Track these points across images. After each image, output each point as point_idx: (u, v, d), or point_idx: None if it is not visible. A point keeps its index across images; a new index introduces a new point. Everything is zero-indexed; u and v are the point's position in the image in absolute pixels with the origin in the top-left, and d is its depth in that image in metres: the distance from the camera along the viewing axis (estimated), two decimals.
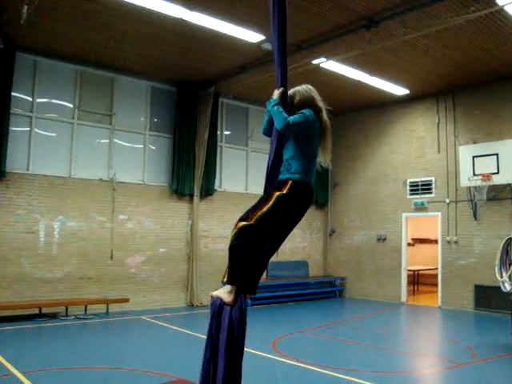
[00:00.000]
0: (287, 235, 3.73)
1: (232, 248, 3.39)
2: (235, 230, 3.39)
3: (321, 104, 3.83)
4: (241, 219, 3.44)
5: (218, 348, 3.26)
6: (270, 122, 3.76)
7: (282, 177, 3.56)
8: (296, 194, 3.49)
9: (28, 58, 10.90)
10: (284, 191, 3.46)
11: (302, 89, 3.85)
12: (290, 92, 3.80)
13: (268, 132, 3.85)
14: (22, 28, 9.07)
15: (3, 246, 10.28)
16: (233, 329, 3.28)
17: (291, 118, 3.50)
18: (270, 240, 3.59)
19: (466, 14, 8.43)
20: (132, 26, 9.61)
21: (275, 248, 3.74)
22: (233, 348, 3.26)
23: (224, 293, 3.39)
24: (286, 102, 3.66)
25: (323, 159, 3.83)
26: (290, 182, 3.48)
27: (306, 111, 3.63)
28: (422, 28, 9.10)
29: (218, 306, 3.34)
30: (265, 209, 3.42)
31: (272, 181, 3.66)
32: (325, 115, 3.81)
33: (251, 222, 3.37)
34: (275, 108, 3.54)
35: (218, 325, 3.31)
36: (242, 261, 3.37)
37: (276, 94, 3.65)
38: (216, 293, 3.43)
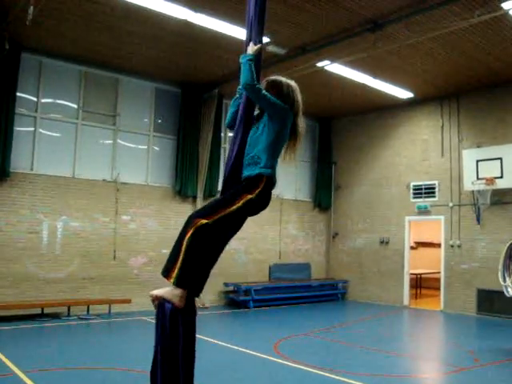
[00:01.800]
0: (240, 226, 3.45)
1: (189, 249, 3.05)
2: (192, 229, 3.06)
3: (300, 108, 3.58)
4: (198, 216, 3.15)
5: (173, 355, 3.08)
6: (236, 112, 3.58)
7: (251, 172, 3.31)
8: (265, 195, 3.29)
9: (33, 59, 10.94)
10: (254, 195, 3.23)
11: (293, 86, 3.58)
12: (278, 79, 3.59)
13: (233, 123, 3.64)
14: (27, 29, 9.10)
15: (6, 246, 10.30)
16: (188, 334, 3.13)
17: (266, 92, 3.30)
18: (223, 238, 3.35)
19: (470, 18, 8.43)
20: (137, 27, 9.64)
21: (225, 245, 3.43)
22: (190, 353, 3.13)
23: (174, 296, 3.11)
24: (259, 63, 3.46)
25: (287, 159, 3.59)
26: (264, 179, 3.26)
27: (284, 105, 3.41)
28: (427, 31, 9.10)
29: (169, 312, 3.12)
30: (229, 210, 3.17)
31: (234, 175, 3.40)
32: (301, 120, 3.58)
33: (209, 222, 3.08)
34: (248, 64, 3.30)
35: (174, 332, 3.10)
36: (197, 264, 3.11)
37: (252, 48, 3.43)
38: (163, 294, 3.15)
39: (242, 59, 3.38)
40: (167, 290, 3.15)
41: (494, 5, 8.18)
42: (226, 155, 3.52)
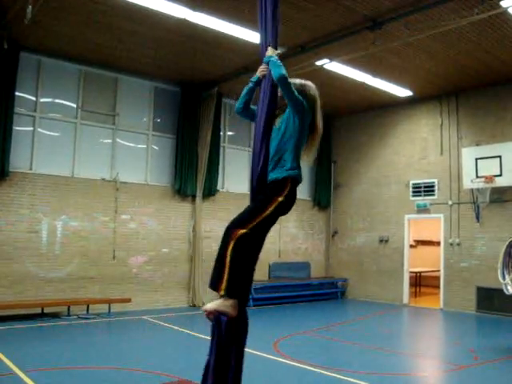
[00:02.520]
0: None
1: (233, 261, 3.18)
2: (233, 241, 3.19)
3: (318, 105, 3.69)
4: (235, 226, 3.26)
5: (226, 362, 3.20)
6: (249, 93, 3.64)
7: (278, 175, 3.40)
8: (292, 195, 3.41)
9: (32, 58, 10.93)
10: (282, 197, 3.34)
11: (309, 84, 3.71)
12: (298, 81, 3.68)
13: (244, 108, 3.70)
14: (26, 28, 9.09)
15: (6, 246, 10.30)
16: (241, 340, 3.27)
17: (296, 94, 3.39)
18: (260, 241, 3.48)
19: (469, 16, 8.43)
20: (136, 26, 9.63)
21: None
22: (241, 359, 3.27)
23: (227, 307, 3.20)
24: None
25: (305, 159, 3.70)
26: (290, 180, 3.37)
27: (304, 103, 3.51)
28: (426, 30, 9.09)
29: (225, 323, 3.20)
30: (263, 215, 3.30)
31: (262, 181, 3.46)
32: (320, 119, 3.69)
33: (247, 231, 3.22)
34: (274, 59, 3.42)
35: (229, 341, 3.21)
36: (242, 273, 3.24)
37: (273, 51, 3.53)
38: (216, 308, 3.22)
39: (269, 58, 3.48)
40: (218, 302, 3.24)
41: (493, 2, 8.18)
42: (251, 163, 3.54)
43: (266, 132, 3.45)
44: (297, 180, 3.43)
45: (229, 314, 3.19)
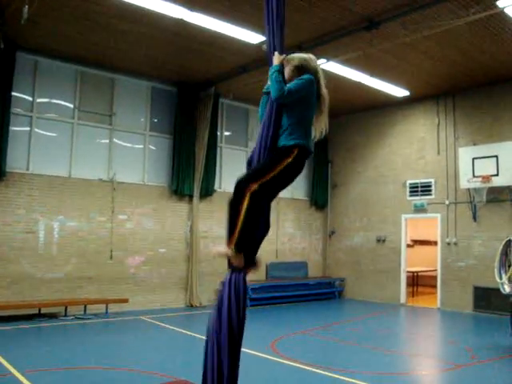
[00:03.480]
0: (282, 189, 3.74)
1: (246, 218, 3.33)
2: (247, 199, 3.31)
3: (320, 75, 3.78)
4: (246, 182, 3.37)
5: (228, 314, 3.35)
6: (265, 106, 3.75)
7: (285, 142, 3.51)
8: (300, 160, 3.50)
9: (28, 58, 10.91)
10: (291, 159, 3.44)
11: (306, 56, 3.79)
12: (295, 60, 3.75)
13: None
14: (22, 28, 9.08)
15: (3, 246, 10.28)
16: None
17: (287, 87, 3.46)
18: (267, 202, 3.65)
19: (466, 17, 8.45)
20: (132, 26, 9.62)
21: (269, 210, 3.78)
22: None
23: (236, 257, 3.41)
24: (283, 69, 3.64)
25: (317, 132, 3.78)
26: (296, 150, 3.46)
27: (307, 77, 3.59)
28: (423, 30, 9.11)
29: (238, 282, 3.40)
30: (272, 174, 3.39)
31: (270, 146, 3.59)
32: (324, 87, 3.76)
33: (257, 188, 3.33)
34: (274, 75, 3.51)
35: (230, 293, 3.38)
36: (251, 227, 3.40)
37: (278, 58, 3.62)
38: (227, 253, 3.43)
39: (271, 71, 3.57)
40: (229, 251, 3.44)
41: (489, 2, 8.20)
42: (259, 131, 3.71)
43: (276, 114, 3.61)
44: (305, 148, 3.51)
45: (235, 263, 3.42)
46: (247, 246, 3.46)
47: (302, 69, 3.68)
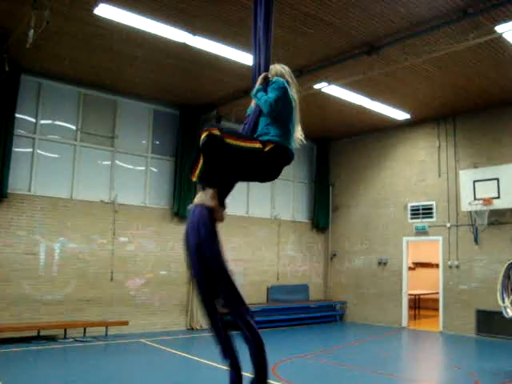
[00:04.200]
0: (257, 180, 3.80)
1: (204, 150, 3.33)
2: (205, 133, 3.29)
3: (291, 80, 3.80)
4: (215, 127, 3.39)
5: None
6: None
7: (261, 138, 3.52)
8: (274, 155, 3.46)
9: (32, 81, 11.02)
10: (264, 148, 3.41)
11: (279, 66, 3.84)
12: (274, 71, 3.81)
13: None
14: (27, 51, 9.16)
15: (3, 267, 10.25)
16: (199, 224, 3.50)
17: (270, 97, 3.50)
18: (236, 174, 3.60)
19: (465, 41, 8.55)
20: (135, 49, 9.73)
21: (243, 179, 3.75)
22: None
23: (207, 199, 3.45)
24: (268, 84, 3.68)
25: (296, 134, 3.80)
26: (271, 145, 3.44)
27: (275, 79, 3.62)
28: (423, 54, 9.20)
29: (195, 212, 3.47)
30: (242, 143, 3.37)
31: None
32: (294, 90, 3.78)
33: (224, 138, 3.31)
34: (259, 94, 3.58)
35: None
36: (216, 163, 3.38)
37: (259, 80, 3.69)
38: (197, 201, 3.49)
39: (254, 91, 3.65)
40: (198, 197, 3.53)
41: (488, 28, 8.30)
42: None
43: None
44: (281, 146, 3.48)
45: (206, 204, 3.45)
46: (215, 179, 3.47)
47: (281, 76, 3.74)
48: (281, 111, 3.54)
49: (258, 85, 3.67)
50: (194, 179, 3.48)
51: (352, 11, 8.18)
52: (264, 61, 3.77)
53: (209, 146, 3.30)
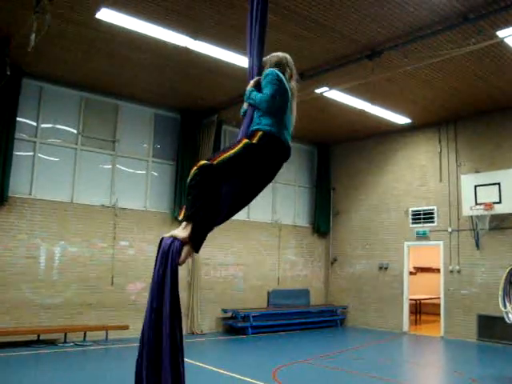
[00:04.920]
0: (256, 192, 3.60)
1: (191, 186, 3.26)
2: (195, 168, 3.26)
3: (289, 69, 3.81)
4: (202, 159, 3.33)
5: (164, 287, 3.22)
6: None
7: (251, 128, 3.49)
8: (265, 145, 3.38)
9: (34, 85, 11.03)
10: (253, 141, 3.36)
11: (281, 54, 3.85)
12: (274, 59, 3.80)
13: None
14: (28, 55, 9.19)
15: (3, 271, 10.24)
16: (172, 258, 3.24)
17: (266, 93, 3.46)
18: (234, 191, 3.47)
19: (466, 46, 8.54)
20: (137, 54, 9.74)
21: (241, 202, 3.64)
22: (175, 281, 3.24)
23: (178, 230, 3.27)
24: (260, 88, 3.63)
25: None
26: (260, 132, 3.38)
27: (268, 71, 3.58)
28: (424, 59, 9.21)
29: (168, 245, 3.25)
30: (230, 152, 3.30)
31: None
32: (294, 82, 3.78)
33: (211, 163, 3.25)
34: (252, 95, 3.57)
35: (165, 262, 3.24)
36: (199, 199, 3.25)
37: (252, 83, 3.68)
38: (169, 233, 3.30)
39: (247, 92, 3.65)
40: (176, 229, 3.30)
41: (489, 33, 8.30)
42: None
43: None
44: (271, 134, 3.41)
45: (177, 236, 3.22)
46: (197, 218, 3.29)
47: (278, 66, 3.73)
48: (278, 104, 3.48)
49: (249, 87, 3.64)
50: (180, 218, 3.36)
51: (353, 16, 8.19)
52: (258, 63, 3.74)
53: (202, 176, 3.24)
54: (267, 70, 3.60)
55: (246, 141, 3.36)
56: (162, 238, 3.29)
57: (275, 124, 3.44)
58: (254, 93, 3.57)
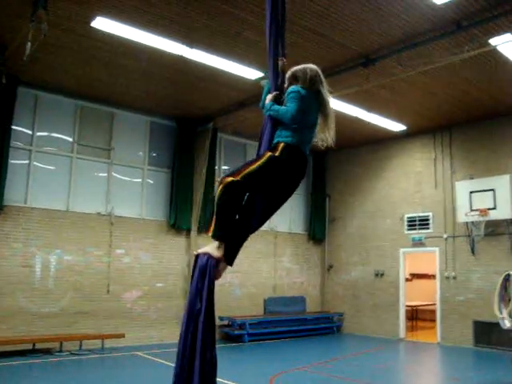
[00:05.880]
0: (281, 203, 3.63)
1: (219, 206, 3.29)
2: (221, 187, 3.28)
3: (320, 83, 3.79)
4: (227, 175, 3.36)
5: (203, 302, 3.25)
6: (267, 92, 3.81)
7: (273, 141, 3.55)
8: (288, 156, 3.44)
9: (29, 93, 11.03)
10: (276, 153, 3.41)
11: (306, 67, 3.81)
12: (293, 72, 3.80)
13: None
14: (24, 63, 9.19)
15: None
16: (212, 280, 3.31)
17: (291, 107, 3.49)
18: (260, 204, 3.51)
19: (460, 54, 8.61)
20: (132, 62, 9.77)
21: (266, 215, 3.64)
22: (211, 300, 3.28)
23: (212, 248, 3.37)
24: (279, 102, 3.68)
25: (325, 136, 3.78)
26: (282, 144, 3.45)
27: (293, 88, 3.61)
28: (418, 66, 9.27)
29: (204, 263, 3.32)
30: (253, 167, 3.35)
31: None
32: (325, 93, 3.78)
33: (237, 179, 3.28)
34: (273, 108, 3.58)
35: (203, 281, 3.28)
36: (229, 218, 3.33)
37: (271, 97, 3.69)
38: (202, 250, 3.41)
39: (265, 112, 3.65)
40: (207, 246, 3.44)
41: (482, 41, 8.38)
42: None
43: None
44: (293, 146, 3.48)
45: (211, 254, 3.34)
46: (228, 237, 3.38)
47: (299, 79, 3.72)
48: (300, 118, 3.53)
49: (268, 101, 3.66)
50: (210, 234, 3.41)
51: (348, 24, 8.25)
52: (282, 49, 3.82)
53: (229, 195, 3.29)
54: (290, 88, 3.64)
55: (269, 154, 3.43)
56: (198, 255, 3.42)
57: (295, 136, 3.52)
58: (276, 106, 3.60)
